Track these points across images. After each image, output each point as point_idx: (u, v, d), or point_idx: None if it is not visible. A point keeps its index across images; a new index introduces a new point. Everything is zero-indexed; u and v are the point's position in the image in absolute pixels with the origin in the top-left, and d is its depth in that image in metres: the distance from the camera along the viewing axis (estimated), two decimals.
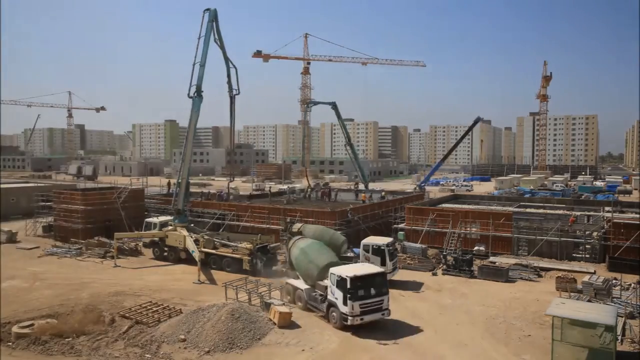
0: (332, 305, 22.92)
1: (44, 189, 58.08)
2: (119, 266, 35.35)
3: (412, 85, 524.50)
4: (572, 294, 26.82)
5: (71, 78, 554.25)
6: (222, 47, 38.27)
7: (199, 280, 31.02)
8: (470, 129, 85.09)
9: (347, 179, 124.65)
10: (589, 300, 25.12)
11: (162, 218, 40.05)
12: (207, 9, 37.17)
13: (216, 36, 37.66)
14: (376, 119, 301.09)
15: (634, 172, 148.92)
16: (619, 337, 20.34)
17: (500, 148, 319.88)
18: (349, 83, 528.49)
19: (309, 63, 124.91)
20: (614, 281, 27.92)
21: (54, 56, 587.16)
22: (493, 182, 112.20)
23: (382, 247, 29.57)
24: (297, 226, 32.44)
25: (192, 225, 39.89)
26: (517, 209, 46.20)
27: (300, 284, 26.11)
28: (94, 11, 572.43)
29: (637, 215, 40.19)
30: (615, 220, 36.09)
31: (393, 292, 28.39)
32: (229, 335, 20.76)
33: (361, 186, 64.40)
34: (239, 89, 39.42)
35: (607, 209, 42.97)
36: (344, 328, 22.25)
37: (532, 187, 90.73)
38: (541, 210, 46.71)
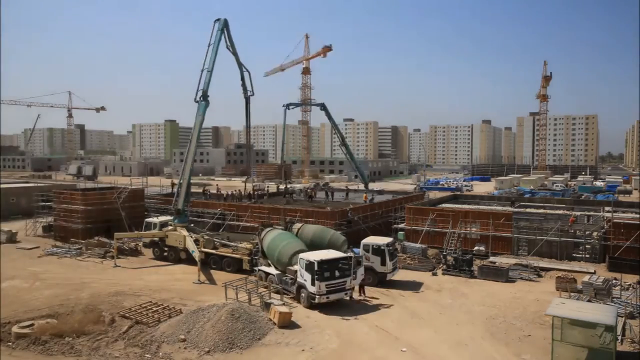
0: (301, 287, 25.94)
1: (44, 189, 58.09)
2: (119, 266, 35.34)
3: (412, 85, 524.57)
4: (572, 294, 26.81)
5: (71, 78, 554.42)
6: (234, 53, 40.20)
7: (199, 280, 31.03)
8: None
9: (347, 179, 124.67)
10: (589, 300, 25.12)
11: (162, 218, 40.07)
12: (218, 19, 38.53)
13: (228, 43, 39.38)
14: (376, 119, 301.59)
15: (634, 172, 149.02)
16: (619, 337, 20.34)
17: (500, 148, 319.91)
18: (349, 83, 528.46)
19: (309, 63, 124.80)
20: (614, 281, 27.93)
21: (55, 56, 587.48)
22: (493, 182, 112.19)
23: (382, 247, 29.61)
24: (297, 226, 32.56)
25: (192, 225, 39.95)
26: (517, 209, 46.18)
27: (272, 270, 29.02)
28: (94, 11, 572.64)
29: (637, 215, 40.19)
30: (615, 220, 36.11)
31: (393, 292, 28.56)
32: (229, 335, 20.76)
33: (361, 186, 64.40)
34: (253, 91, 41.99)
35: (607, 209, 42.96)
36: (312, 306, 25.14)
37: (532, 187, 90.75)
38: (541, 210, 46.71)
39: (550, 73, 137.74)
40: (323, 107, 63.68)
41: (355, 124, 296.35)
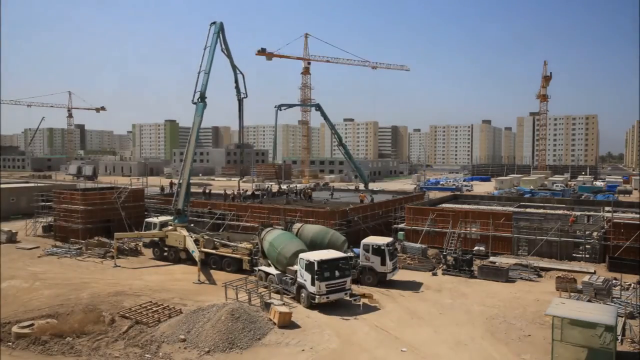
0: (301, 286, 25.96)
1: (44, 189, 58.04)
2: (119, 266, 35.34)
3: (412, 85, 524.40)
4: (572, 294, 26.82)
5: (71, 78, 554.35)
6: (229, 56, 40.50)
7: (199, 280, 31.03)
8: None
9: (347, 179, 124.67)
10: (589, 300, 25.12)
11: (162, 218, 40.08)
12: (213, 22, 38.75)
13: (223, 46, 39.65)
14: (376, 119, 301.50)
15: (634, 172, 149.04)
16: (619, 337, 20.34)
17: (500, 148, 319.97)
18: (349, 83, 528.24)
19: (309, 63, 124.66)
20: (614, 281, 27.93)
21: (54, 56, 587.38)
22: (493, 182, 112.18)
23: (382, 247, 29.60)
24: (297, 226, 32.59)
25: (192, 225, 39.97)
26: (517, 209, 46.17)
27: (272, 270, 28.99)
28: (94, 11, 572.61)
29: (637, 215, 40.18)
30: (615, 220, 36.10)
31: (393, 292, 28.54)
32: (229, 335, 20.77)
33: (361, 186, 64.35)
34: (246, 93, 42.47)
35: (607, 209, 42.96)
36: (312, 306, 25.11)
37: (532, 187, 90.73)
38: (541, 210, 46.70)
39: (550, 73, 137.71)
40: (318, 107, 63.53)
41: (355, 124, 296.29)
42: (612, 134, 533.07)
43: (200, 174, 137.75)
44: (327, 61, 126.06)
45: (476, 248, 37.26)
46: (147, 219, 40.97)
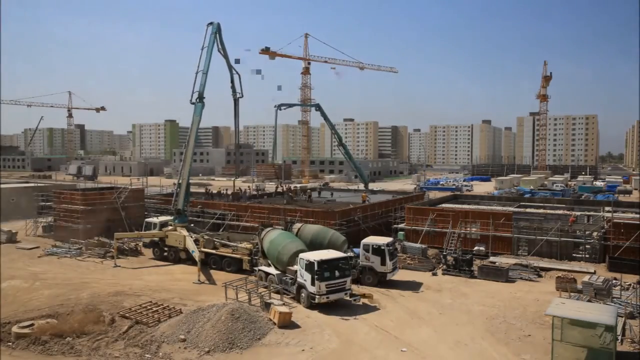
0: (301, 286, 25.97)
1: (44, 189, 58.04)
2: (119, 266, 35.35)
3: (412, 85, 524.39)
4: (572, 294, 26.82)
5: (71, 78, 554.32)
6: (225, 56, 40.53)
7: (199, 280, 31.04)
8: None
9: (346, 179, 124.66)
10: (589, 300, 25.13)
11: (162, 218, 40.09)
12: (211, 23, 38.82)
13: (219, 47, 39.62)
14: (376, 119, 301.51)
15: (634, 172, 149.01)
16: (619, 337, 20.34)
17: (500, 148, 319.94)
18: (349, 83, 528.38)
19: (309, 63, 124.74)
20: (614, 281, 27.93)
21: (54, 56, 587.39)
22: (493, 182, 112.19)
23: (382, 247, 29.61)
24: (297, 226, 32.59)
25: (192, 225, 39.97)
26: (517, 209, 46.18)
27: (272, 270, 28.99)
28: (95, 11, 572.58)
29: (637, 215, 40.18)
30: (615, 220, 36.11)
31: (393, 292, 28.54)
32: (229, 335, 20.77)
33: (361, 186, 64.42)
34: (242, 93, 42.41)
35: (607, 209, 42.97)
36: (312, 306, 25.11)
37: (532, 187, 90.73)
38: (541, 210, 46.70)
39: (550, 73, 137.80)
40: (318, 107, 63.50)
41: (355, 124, 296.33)
42: (612, 134, 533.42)
43: (200, 174, 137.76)
44: (325, 61, 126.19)
45: (476, 248, 37.27)
46: (147, 219, 40.99)
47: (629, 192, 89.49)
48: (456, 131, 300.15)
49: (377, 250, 29.68)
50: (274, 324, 22.60)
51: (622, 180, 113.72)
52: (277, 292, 26.87)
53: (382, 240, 30.46)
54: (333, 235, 31.29)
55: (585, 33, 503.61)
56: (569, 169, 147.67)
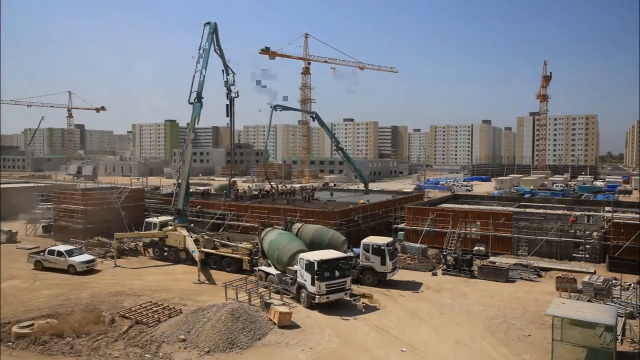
0: (301, 286, 26.00)
1: (44, 189, 58.06)
2: (119, 266, 35.36)
3: (412, 85, 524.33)
4: (572, 294, 26.82)
5: (71, 78, 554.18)
6: (222, 56, 40.66)
7: (199, 280, 31.05)
8: None
9: (346, 180, 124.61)
10: (589, 300, 25.12)
11: (162, 218, 40.09)
12: (208, 23, 38.92)
13: (216, 47, 39.78)
14: (376, 119, 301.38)
15: (634, 172, 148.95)
16: (619, 337, 20.34)
17: (500, 148, 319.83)
18: (349, 83, 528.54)
19: (309, 63, 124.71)
20: (614, 281, 27.93)
21: (55, 56, 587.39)
22: (493, 182, 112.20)
23: (382, 247, 29.62)
24: (297, 226, 32.60)
25: (192, 225, 39.97)
26: (517, 209, 46.17)
27: (272, 270, 29.04)
28: (94, 11, 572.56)
29: (637, 215, 40.18)
30: (615, 220, 36.11)
31: (393, 292, 28.55)
32: (229, 335, 20.78)
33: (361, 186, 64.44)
34: (237, 92, 42.68)
35: (607, 209, 42.97)
36: (312, 306, 25.12)
37: (532, 187, 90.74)
38: (541, 210, 46.70)
39: (550, 73, 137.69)
40: (316, 116, 63.43)
41: (355, 124, 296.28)
42: (612, 134, 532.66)
43: (200, 174, 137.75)
44: (325, 61, 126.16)
45: (476, 248, 37.27)
46: (147, 219, 41.00)
47: (629, 192, 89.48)
48: (456, 131, 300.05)
49: (377, 250, 29.69)
50: (274, 324, 22.60)
51: (622, 180, 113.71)
52: (277, 292, 26.88)
53: (382, 240, 30.47)
54: (333, 235, 31.29)
55: (586, 33, 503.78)
56: (569, 169, 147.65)
